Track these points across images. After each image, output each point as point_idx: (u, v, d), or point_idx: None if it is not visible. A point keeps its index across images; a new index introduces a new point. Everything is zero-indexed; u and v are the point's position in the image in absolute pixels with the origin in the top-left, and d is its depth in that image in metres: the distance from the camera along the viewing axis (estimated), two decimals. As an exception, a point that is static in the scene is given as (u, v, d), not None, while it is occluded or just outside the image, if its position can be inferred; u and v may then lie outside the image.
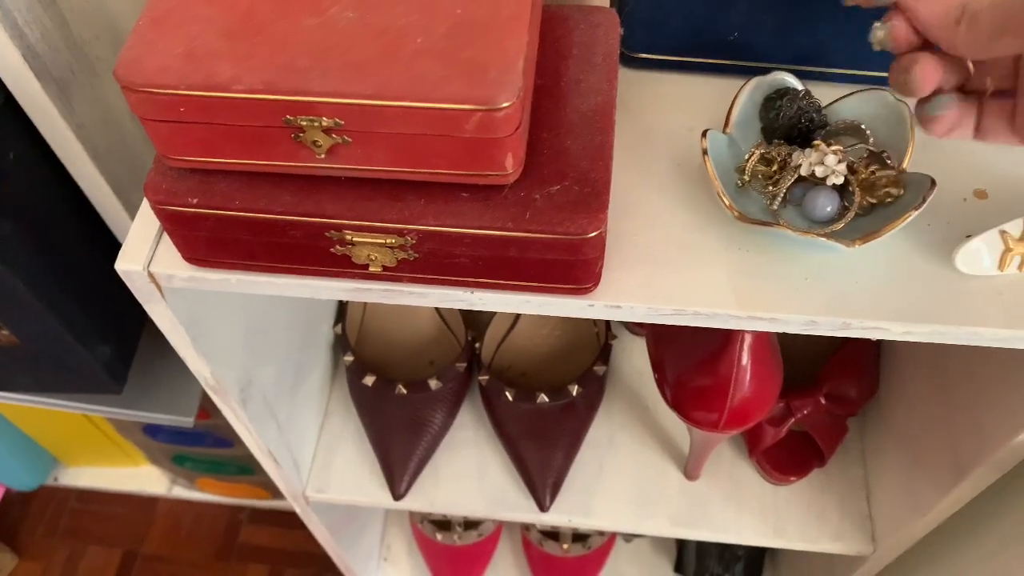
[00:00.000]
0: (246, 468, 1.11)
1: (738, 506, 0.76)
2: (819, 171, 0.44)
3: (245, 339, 0.60)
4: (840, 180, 0.44)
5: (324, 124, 0.37)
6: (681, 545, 1.08)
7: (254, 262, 0.45)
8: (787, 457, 0.74)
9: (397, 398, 0.75)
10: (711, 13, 0.48)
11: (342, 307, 0.81)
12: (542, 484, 0.75)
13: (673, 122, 0.51)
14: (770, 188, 0.46)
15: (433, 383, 0.75)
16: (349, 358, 0.76)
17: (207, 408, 0.94)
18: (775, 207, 0.45)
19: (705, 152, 0.45)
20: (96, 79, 0.65)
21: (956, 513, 0.63)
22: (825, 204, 0.44)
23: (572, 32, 0.47)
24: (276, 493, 1.23)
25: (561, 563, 1.03)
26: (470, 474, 0.78)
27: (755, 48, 0.50)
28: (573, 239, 0.41)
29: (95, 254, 0.71)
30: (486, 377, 0.76)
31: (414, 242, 0.42)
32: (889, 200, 0.44)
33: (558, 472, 0.75)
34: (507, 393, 0.74)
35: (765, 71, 0.48)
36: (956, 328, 0.43)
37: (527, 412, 0.75)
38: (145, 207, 0.48)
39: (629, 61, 0.52)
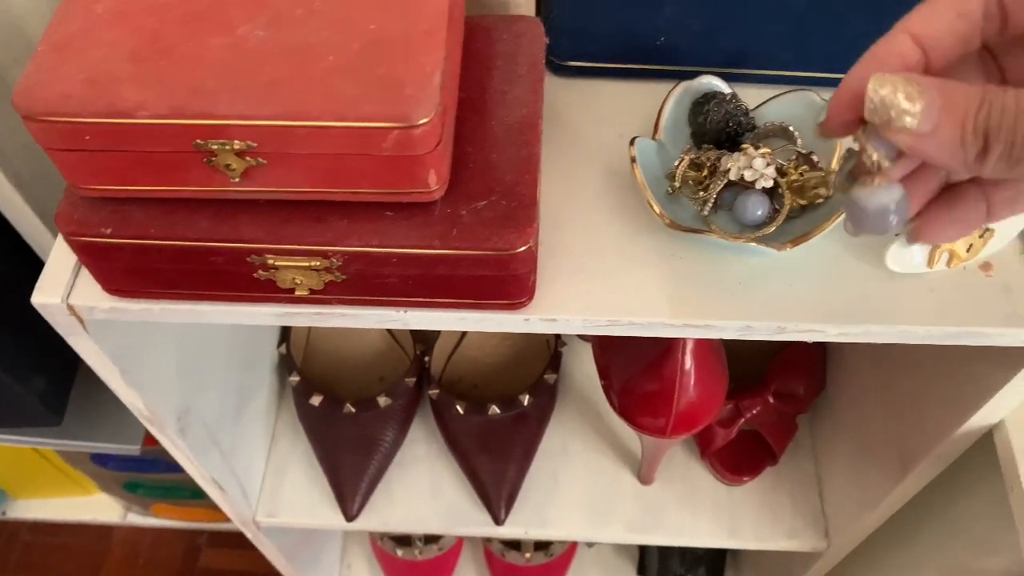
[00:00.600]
0: (200, 492, 1.08)
1: (693, 509, 0.75)
2: (748, 175, 0.44)
3: (179, 367, 0.59)
4: (769, 183, 0.44)
5: (236, 147, 0.36)
6: (643, 548, 1.08)
7: (176, 290, 0.44)
8: (739, 457, 0.74)
9: (346, 417, 0.73)
10: (636, 18, 0.48)
11: (286, 327, 0.79)
12: (497, 497, 0.74)
13: (604, 130, 0.50)
14: (700, 194, 0.46)
15: (382, 400, 0.74)
16: (295, 378, 0.75)
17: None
18: (706, 213, 0.45)
19: (634, 160, 0.44)
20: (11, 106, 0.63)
21: (906, 506, 0.64)
22: (755, 208, 0.44)
23: (496, 43, 0.46)
24: (234, 516, 1.20)
25: (524, 572, 1.02)
26: (424, 491, 0.76)
27: (682, 52, 0.49)
28: (502, 255, 0.40)
29: (23, 284, 0.69)
30: (436, 391, 0.75)
31: (340, 264, 0.41)
32: (819, 201, 0.44)
33: (512, 484, 0.75)
34: (458, 406, 0.73)
35: (694, 75, 0.48)
36: (889, 327, 0.43)
37: (479, 425, 0.74)
38: (62, 237, 0.47)
39: (558, 69, 0.52)
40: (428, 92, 0.36)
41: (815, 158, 0.45)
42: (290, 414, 0.79)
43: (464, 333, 0.80)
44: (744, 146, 0.45)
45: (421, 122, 0.35)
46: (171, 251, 0.41)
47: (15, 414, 0.70)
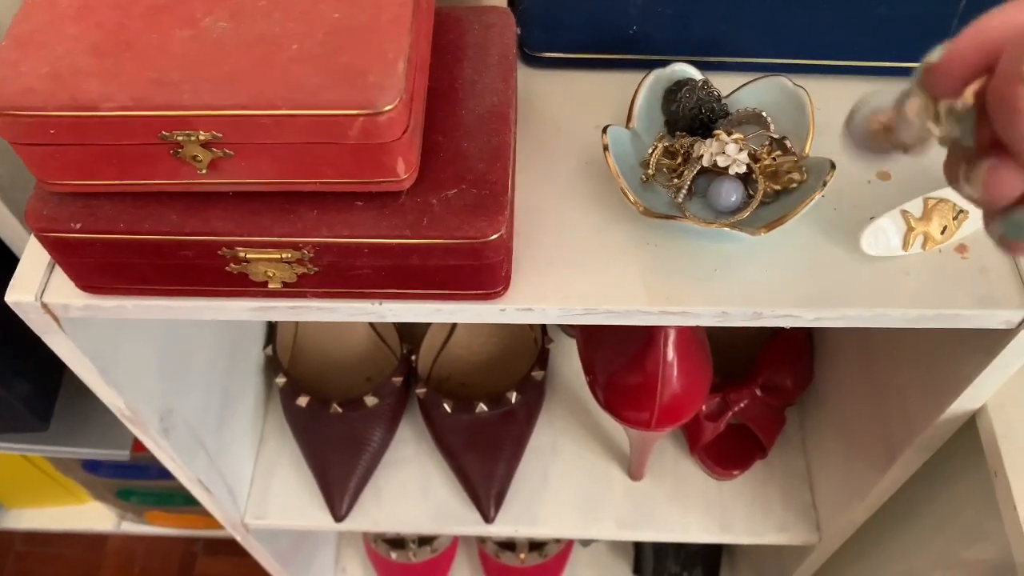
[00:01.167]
0: (194, 499, 1.08)
1: (683, 504, 0.75)
2: (721, 161, 0.44)
3: (161, 367, 0.58)
4: (743, 169, 0.44)
5: (202, 138, 0.36)
6: (638, 547, 1.07)
7: (149, 286, 0.44)
8: (728, 451, 0.74)
9: (333, 417, 0.73)
10: (607, 8, 0.48)
11: (272, 328, 0.79)
12: (486, 495, 0.74)
13: (579, 121, 0.50)
14: (675, 181, 0.45)
15: (369, 400, 0.73)
16: (281, 380, 0.75)
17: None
18: (680, 200, 0.45)
19: (606, 148, 0.44)
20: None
21: (895, 497, 0.63)
22: (729, 193, 0.44)
23: (466, 33, 0.46)
24: (228, 522, 1.19)
25: (518, 573, 1.01)
26: (413, 490, 0.76)
27: (655, 41, 0.49)
28: (474, 243, 0.40)
29: (4, 289, 0.69)
30: (423, 390, 0.75)
31: (312, 255, 0.41)
32: (793, 186, 0.44)
33: (501, 482, 0.74)
34: (445, 405, 0.73)
35: (667, 64, 0.48)
36: (867, 311, 0.43)
37: (467, 423, 0.73)
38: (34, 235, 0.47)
39: (532, 61, 0.52)
40: (392, 79, 0.35)
41: (788, 143, 0.45)
42: (278, 416, 0.79)
43: (451, 332, 0.80)
44: (717, 132, 0.45)
45: (386, 109, 0.35)
46: (141, 245, 0.40)
47: (2, 420, 0.70)
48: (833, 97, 0.46)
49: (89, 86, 0.36)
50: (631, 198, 0.44)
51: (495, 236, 0.40)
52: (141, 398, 0.55)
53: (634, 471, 0.75)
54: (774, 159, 0.44)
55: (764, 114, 0.46)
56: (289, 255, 0.41)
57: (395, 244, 0.40)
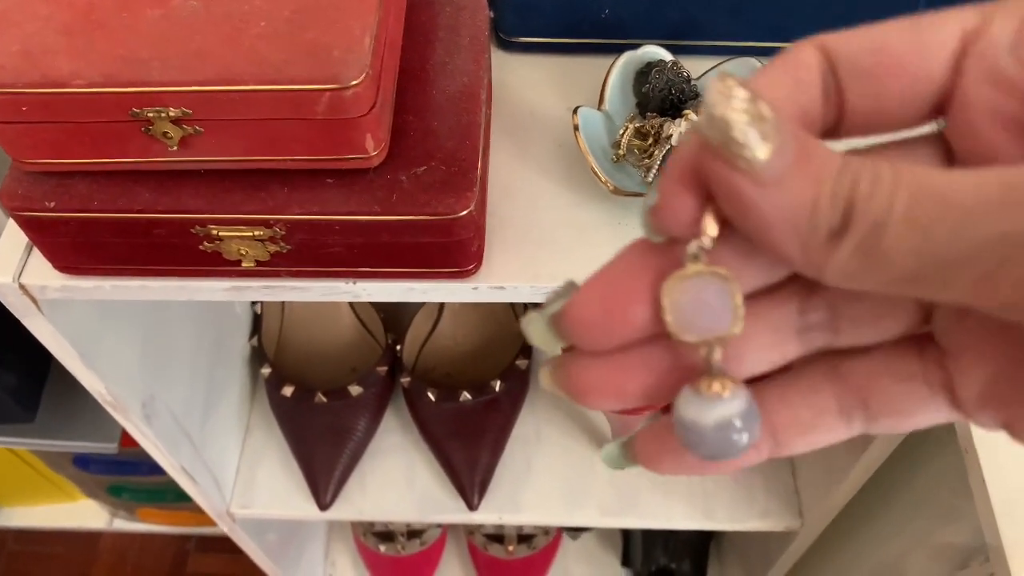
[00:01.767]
0: (186, 495, 1.08)
1: (667, 491, 0.75)
2: (689, 139, 0.44)
3: (143, 353, 0.59)
4: (711, 147, 0.44)
5: (172, 114, 0.37)
6: (627, 538, 1.07)
7: (125, 266, 0.44)
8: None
9: (317, 407, 0.74)
10: (579, -9, 0.48)
11: (257, 319, 0.79)
12: (470, 484, 0.74)
13: (553, 104, 0.51)
14: (645, 161, 0.46)
15: (354, 389, 0.74)
16: (267, 370, 0.75)
17: (134, 434, 0.91)
18: (651, 179, 0.45)
19: (577, 128, 0.45)
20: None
21: (874, 482, 0.64)
22: (697, 172, 0.44)
23: (438, 16, 0.46)
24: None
25: (507, 565, 1.02)
26: (397, 479, 0.76)
27: (628, 25, 0.50)
28: (443, 219, 0.40)
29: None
30: (408, 379, 0.75)
31: (283, 233, 0.41)
32: (761, 165, 0.45)
33: (485, 470, 0.75)
34: (429, 394, 0.73)
35: (639, 47, 0.49)
36: (834, 287, 0.44)
37: (451, 411, 0.74)
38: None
39: (507, 46, 0.52)
40: (358, 54, 0.36)
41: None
42: (263, 407, 0.80)
43: (436, 322, 0.80)
44: (686, 112, 0.45)
45: (351, 84, 0.36)
46: (115, 224, 0.41)
47: (-14, 411, 0.71)
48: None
49: (59, 63, 0.36)
50: (601, 177, 0.44)
51: (464, 212, 0.40)
52: (122, 384, 0.56)
53: (618, 459, 0.75)
54: (742, 137, 0.45)
55: (733, 94, 0.47)
56: (261, 232, 0.41)
57: (366, 221, 0.41)
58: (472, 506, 0.74)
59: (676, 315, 0.17)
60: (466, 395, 0.73)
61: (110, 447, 0.86)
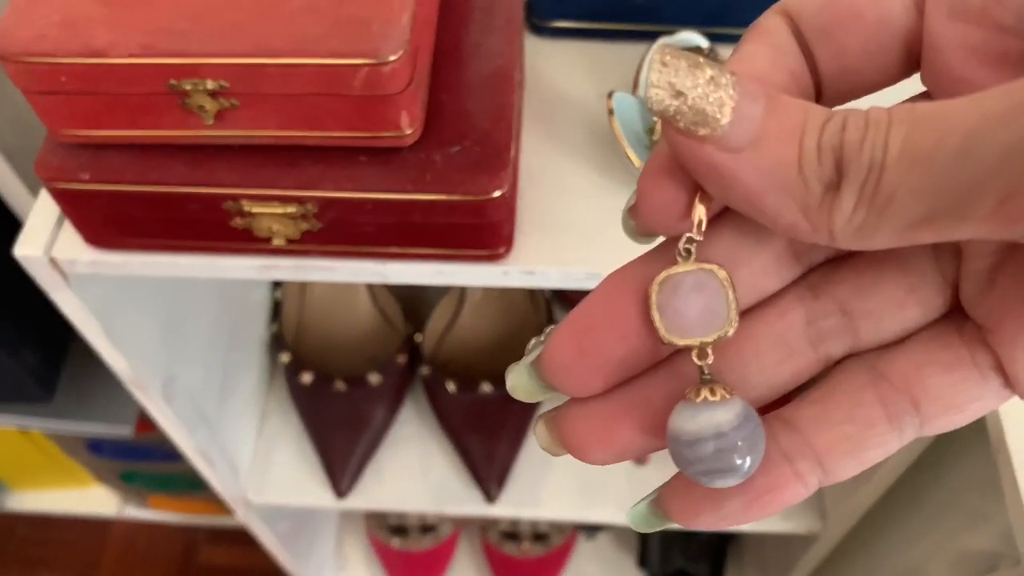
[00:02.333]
0: (197, 483, 1.08)
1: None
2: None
3: (165, 332, 0.59)
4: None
5: (209, 87, 0.37)
6: (644, 540, 1.07)
7: (156, 240, 0.44)
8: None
9: (336, 395, 0.73)
10: (615, -23, 0.48)
11: (277, 306, 0.79)
12: (488, 476, 0.74)
13: (585, 89, 0.50)
14: (679, 147, 0.46)
15: (373, 378, 0.74)
16: (286, 356, 0.75)
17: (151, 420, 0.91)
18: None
19: (611, 112, 0.44)
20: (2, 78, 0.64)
21: (900, 484, 0.63)
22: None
23: (474, -2, 0.46)
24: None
25: (521, 564, 1.01)
26: (414, 469, 0.76)
27: (664, 11, 0.49)
28: (476, 200, 0.40)
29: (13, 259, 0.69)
30: (427, 369, 0.75)
31: (315, 211, 0.41)
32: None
33: (504, 463, 0.74)
34: (449, 384, 0.73)
35: (675, 33, 0.48)
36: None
37: (470, 403, 0.74)
38: (45, 191, 0.47)
39: (540, 31, 0.52)
40: (397, 29, 0.36)
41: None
42: (281, 394, 0.79)
43: (457, 312, 0.80)
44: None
45: (390, 59, 0.35)
46: (148, 197, 0.41)
47: (6, 389, 0.71)
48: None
49: (99, 33, 0.36)
50: (635, 162, 0.44)
51: (497, 193, 0.40)
52: (144, 362, 0.56)
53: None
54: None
55: (769, 82, 0.46)
56: (293, 210, 0.41)
57: (398, 200, 0.40)
58: (490, 498, 0.73)
59: (665, 316, 0.16)
60: (486, 387, 0.73)
61: (125, 430, 0.86)
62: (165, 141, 0.40)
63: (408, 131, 0.39)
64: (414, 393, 0.79)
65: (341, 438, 0.74)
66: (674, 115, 0.14)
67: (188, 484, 1.11)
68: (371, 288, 0.79)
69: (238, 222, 0.42)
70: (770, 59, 0.16)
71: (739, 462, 0.15)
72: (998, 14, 0.15)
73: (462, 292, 0.78)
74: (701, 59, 0.14)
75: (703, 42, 0.48)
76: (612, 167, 0.47)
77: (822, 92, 0.17)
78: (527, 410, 0.76)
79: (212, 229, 0.43)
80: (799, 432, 0.16)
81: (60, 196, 0.42)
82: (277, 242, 0.43)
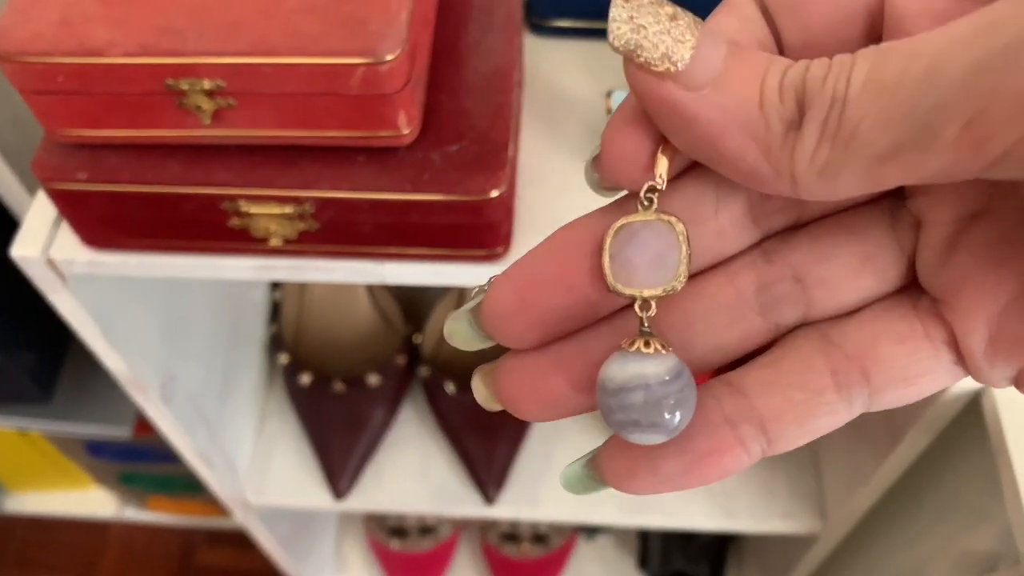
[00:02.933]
0: (196, 484, 1.08)
1: (688, 490, 0.74)
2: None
3: (163, 333, 0.59)
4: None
5: (206, 87, 0.36)
6: (645, 541, 1.06)
7: (152, 240, 0.44)
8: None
9: (335, 396, 0.73)
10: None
11: (276, 307, 0.79)
12: (487, 477, 0.74)
13: (585, 89, 0.50)
14: (678, 146, 0.46)
15: (372, 379, 0.73)
16: (285, 357, 0.75)
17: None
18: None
19: (610, 111, 0.44)
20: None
21: (901, 485, 0.63)
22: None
23: (472, -3, 0.46)
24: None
25: (521, 566, 1.01)
26: (414, 470, 0.76)
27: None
28: (474, 200, 0.40)
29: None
30: (427, 370, 0.75)
31: (313, 211, 0.41)
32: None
33: (503, 464, 0.74)
34: (448, 385, 0.73)
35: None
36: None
37: (470, 404, 0.73)
38: (43, 191, 0.47)
39: (538, 30, 0.52)
40: (394, 28, 0.36)
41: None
42: (280, 395, 0.79)
43: (455, 314, 0.80)
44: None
45: (388, 58, 0.35)
46: (145, 197, 0.41)
47: (3, 390, 0.70)
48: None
49: (97, 32, 0.36)
50: (633, 162, 0.44)
51: (495, 192, 0.40)
52: (142, 363, 0.56)
53: (636, 456, 0.74)
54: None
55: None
56: (291, 210, 0.41)
57: (396, 200, 0.40)
58: (489, 499, 0.73)
59: (615, 264, 0.16)
60: (485, 388, 0.72)
61: (123, 432, 0.86)
62: (162, 141, 0.40)
63: (406, 130, 0.39)
64: (413, 394, 0.79)
65: (340, 439, 0.74)
66: (634, 49, 0.14)
67: (187, 486, 1.10)
68: (370, 289, 0.79)
69: (235, 222, 0.42)
70: (736, 28, 0.16)
71: (667, 416, 0.15)
72: None
73: (462, 292, 0.78)
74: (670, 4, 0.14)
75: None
76: (611, 167, 0.47)
77: None
78: (526, 411, 0.76)
79: (209, 229, 0.43)
80: (745, 396, 0.16)
81: (57, 196, 0.42)
82: (274, 242, 0.43)
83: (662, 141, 0.15)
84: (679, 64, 0.14)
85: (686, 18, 0.14)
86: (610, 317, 0.17)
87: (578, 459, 0.18)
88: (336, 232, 0.42)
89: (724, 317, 0.17)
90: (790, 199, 0.15)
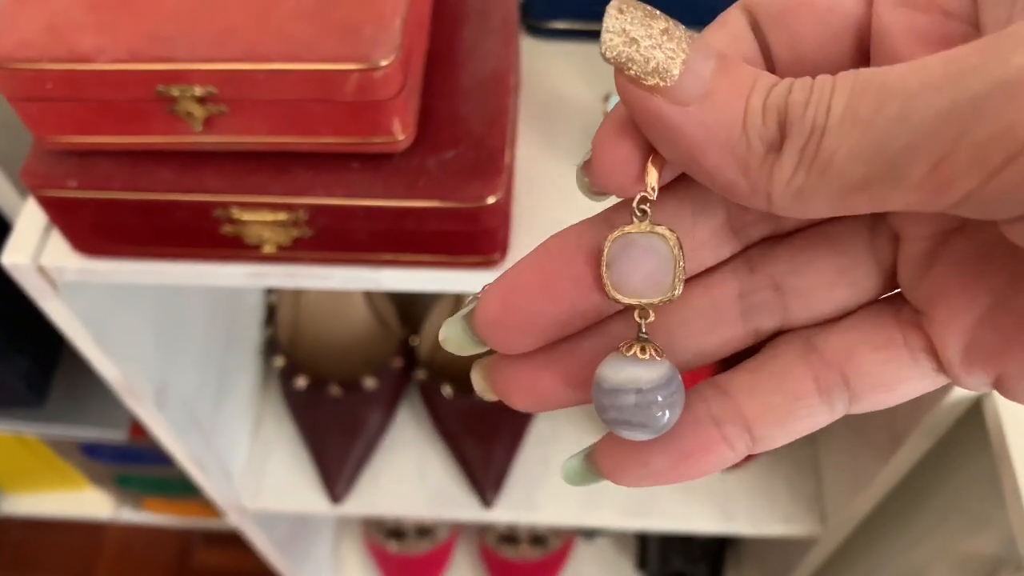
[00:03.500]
0: (192, 486, 1.08)
1: (687, 493, 0.74)
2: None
3: (156, 339, 0.58)
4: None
5: (197, 93, 0.36)
6: (643, 542, 1.06)
7: (144, 247, 0.43)
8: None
9: (331, 399, 0.73)
10: (611, -22, 0.47)
11: (271, 310, 0.79)
12: (485, 480, 0.73)
13: (582, 92, 0.50)
14: (677, 151, 0.45)
15: (368, 382, 0.73)
16: (280, 361, 0.74)
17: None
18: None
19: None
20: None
21: (902, 489, 0.62)
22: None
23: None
24: (229, 512, 1.19)
25: (519, 568, 1.00)
26: (411, 474, 0.75)
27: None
28: (470, 207, 0.40)
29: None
30: (424, 373, 0.74)
31: (307, 218, 0.41)
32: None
33: (500, 467, 0.74)
34: (445, 388, 0.72)
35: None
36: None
37: (467, 408, 0.73)
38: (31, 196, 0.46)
39: (536, 32, 0.51)
40: (388, 34, 0.35)
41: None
42: (275, 399, 0.79)
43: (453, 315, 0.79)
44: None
45: (381, 64, 0.35)
46: (136, 204, 0.40)
47: (-3, 394, 0.70)
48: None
49: (85, 39, 0.36)
50: (632, 167, 0.43)
51: (491, 199, 0.39)
52: (136, 369, 0.55)
53: (635, 459, 0.74)
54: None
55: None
56: (284, 217, 0.40)
57: (390, 206, 0.40)
58: (487, 503, 0.73)
59: (613, 274, 0.16)
60: (482, 391, 0.72)
61: (118, 435, 0.86)
62: (153, 148, 0.39)
63: (400, 137, 0.38)
64: (410, 397, 0.79)
65: (336, 443, 0.73)
66: (625, 62, 0.14)
67: (183, 487, 1.10)
68: (366, 292, 0.78)
69: (228, 229, 0.41)
70: (725, 43, 0.16)
71: (656, 417, 0.16)
72: (942, 0, 0.15)
73: (458, 295, 0.77)
74: (658, 11, 0.15)
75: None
76: (609, 171, 0.47)
77: None
78: (524, 414, 0.75)
79: (201, 236, 0.42)
80: (731, 398, 0.17)
81: (47, 204, 0.41)
82: (268, 249, 0.42)
83: (651, 150, 0.16)
84: (669, 80, 0.14)
85: (678, 33, 0.14)
86: (603, 322, 0.18)
87: (578, 452, 0.19)
88: (330, 239, 0.42)
89: (705, 322, 0.17)
90: (767, 212, 0.15)
